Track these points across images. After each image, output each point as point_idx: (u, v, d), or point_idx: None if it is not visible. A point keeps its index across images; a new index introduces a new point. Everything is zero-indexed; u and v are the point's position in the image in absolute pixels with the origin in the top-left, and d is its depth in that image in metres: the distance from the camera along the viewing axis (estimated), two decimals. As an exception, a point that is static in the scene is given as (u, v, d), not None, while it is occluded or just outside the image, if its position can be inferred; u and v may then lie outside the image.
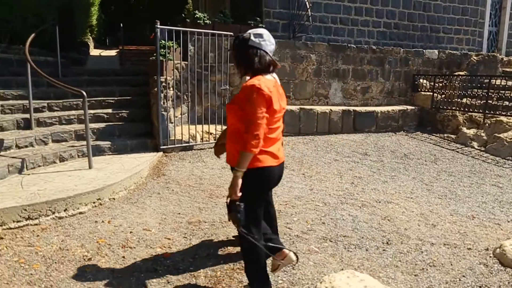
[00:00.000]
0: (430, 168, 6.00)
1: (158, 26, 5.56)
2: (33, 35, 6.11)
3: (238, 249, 3.12)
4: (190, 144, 6.16)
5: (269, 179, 2.39)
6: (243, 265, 2.86)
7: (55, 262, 2.89)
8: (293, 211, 4.04)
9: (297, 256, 2.67)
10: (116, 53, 15.30)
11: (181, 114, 6.50)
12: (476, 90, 8.64)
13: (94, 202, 3.96)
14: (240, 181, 2.23)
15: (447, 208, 4.38)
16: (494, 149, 6.87)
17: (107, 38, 24.47)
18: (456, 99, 8.47)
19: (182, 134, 6.10)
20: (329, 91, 8.30)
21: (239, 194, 2.24)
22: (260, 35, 2.34)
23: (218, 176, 5.05)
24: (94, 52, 14.72)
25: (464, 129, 7.74)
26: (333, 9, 9.82)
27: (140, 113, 6.42)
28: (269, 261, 2.68)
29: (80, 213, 3.79)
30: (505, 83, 8.04)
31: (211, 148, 6.07)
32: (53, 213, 3.63)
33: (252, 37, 2.33)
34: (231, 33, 6.52)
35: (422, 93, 8.95)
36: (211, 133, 6.46)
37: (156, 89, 5.76)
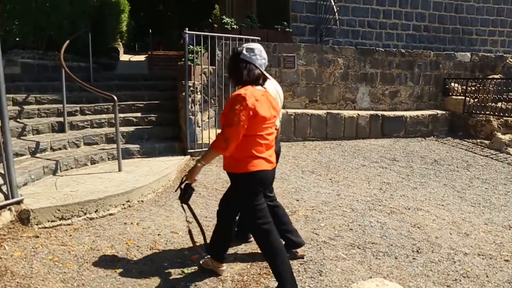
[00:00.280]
0: (462, 175, 5.80)
1: (187, 31, 5.65)
2: (67, 42, 6.36)
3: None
4: (217, 148, 6.19)
5: (263, 181, 2.52)
6: (269, 270, 2.86)
7: (87, 262, 2.97)
8: (320, 216, 3.99)
9: None
10: (144, 58, 15.66)
11: (208, 118, 6.57)
12: (512, 94, 8.30)
13: (123, 204, 4.05)
14: (198, 171, 2.53)
15: (481, 217, 4.22)
16: (532, 155, 6.58)
17: (136, 43, 25.12)
18: (490, 103, 8.16)
19: (209, 138, 6.16)
20: (356, 96, 8.19)
21: (195, 179, 2.57)
22: (251, 50, 2.50)
23: (244, 180, 5.05)
24: (123, 57, 15.13)
25: (499, 135, 7.44)
26: (361, 12, 9.70)
27: (168, 117, 6.54)
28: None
29: (110, 214, 3.88)
30: (543, 87, 7.69)
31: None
32: (85, 214, 3.74)
33: (244, 51, 2.51)
34: (258, 38, 6.55)
35: (454, 97, 8.68)
36: (237, 137, 6.47)
37: (184, 93, 5.85)
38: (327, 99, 7.94)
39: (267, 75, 2.61)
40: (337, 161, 6.18)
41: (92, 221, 3.73)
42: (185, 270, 2.90)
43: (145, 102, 6.79)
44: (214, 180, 5.01)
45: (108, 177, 4.61)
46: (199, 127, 6.17)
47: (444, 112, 8.52)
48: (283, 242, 2.84)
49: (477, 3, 10.73)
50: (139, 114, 6.48)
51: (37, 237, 3.33)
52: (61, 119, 5.77)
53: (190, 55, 5.85)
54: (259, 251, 3.15)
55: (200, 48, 6.07)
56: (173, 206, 4.15)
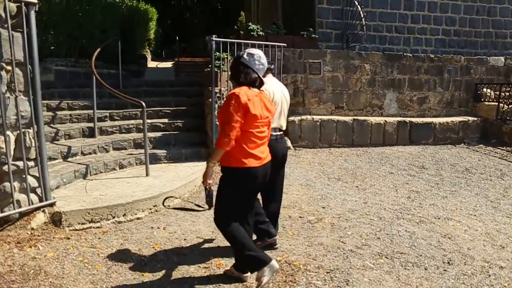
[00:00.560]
0: (495, 184, 5.58)
1: (213, 38, 5.72)
2: (98, 49, 6.56)
3: (287, 258, 3.10)
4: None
5: (252, 177, 2.66)
6: (295, 278, 2.84)
7: (115, 264, 3.03)
8: (346, 224, 3.92)
9: (277, 264, 2.72)
10: (171, 65, 15.93)
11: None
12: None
13: (150, 209, 4.12)
14: (211, 171, 2.63)
15: (516, 228, 4.04)
16: None
17: (163, 50, 25.63)
18: (525, 110, 7.84)
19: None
20: (383, 102, 8.05)
21: (210, 181, 2.66)
22: (252, 55, 2.68)
23: (269, 186, 5.04)
24: (151, 64, 15.44)
25: (535, 143, 7.13)
26: (388, 17, 9.56)
27: (194, 123, 6.62)
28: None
29: (138, 218, 3.95)
30: None
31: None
32: (113, 217, 3.83)
33: (245, 56, 2.69)
34: (284, 44, 6.56)
35: (486, 103, 8.39)
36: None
37: (210, 99, 5.92)
38: (353, 105, 7.84)
39: (269, 79, 2.90)
40: (364, 168, 6.07)
41: (120, 224, 3.81)
42: (211, 276, 2.91)
43: (172, 108, 6.91)
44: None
45: (135, 181, 4.70)
46: (225, 133, 6.20)
47: (475, 118, 8.25)
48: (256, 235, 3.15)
49: None
50: (166, 120, 6.59)
51: (68, 238, 3.43)
52: (91, 124, 5.95)
53: (217, 61, 5.92)
54: (284, 259, 3.14)
55: (227, 54, 6.13)
56: (199, 212, 4.17)
